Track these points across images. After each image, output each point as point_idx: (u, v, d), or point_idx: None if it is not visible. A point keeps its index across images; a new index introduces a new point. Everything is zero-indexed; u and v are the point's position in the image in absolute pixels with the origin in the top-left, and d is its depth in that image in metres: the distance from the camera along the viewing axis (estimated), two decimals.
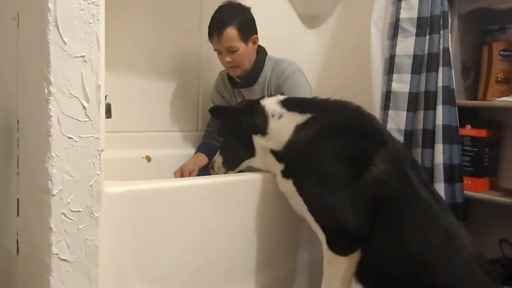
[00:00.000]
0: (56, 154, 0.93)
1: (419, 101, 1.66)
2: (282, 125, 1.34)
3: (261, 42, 1.84)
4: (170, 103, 2.06)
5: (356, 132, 1.27)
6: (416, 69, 1.65)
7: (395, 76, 1.68)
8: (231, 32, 1.70)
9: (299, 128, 1.31)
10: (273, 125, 1.35)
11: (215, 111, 1.59)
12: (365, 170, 1.19)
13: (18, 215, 1.14)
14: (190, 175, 1.80)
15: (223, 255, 1.34)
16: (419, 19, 1.64)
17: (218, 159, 1.53)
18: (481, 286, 1.11)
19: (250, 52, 1.79)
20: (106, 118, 1.13)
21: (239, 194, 1.38)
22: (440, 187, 1.57)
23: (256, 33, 1.81)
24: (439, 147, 1.59)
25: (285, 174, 1.33)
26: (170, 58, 2.03)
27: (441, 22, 1.63)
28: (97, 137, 0.99)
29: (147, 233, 1.17)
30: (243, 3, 1.84)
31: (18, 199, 1.14)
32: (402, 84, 1.67)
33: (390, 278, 1.17)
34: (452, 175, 1.60)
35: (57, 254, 0.95)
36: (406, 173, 1.20)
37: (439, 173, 1.58)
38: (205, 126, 2.07)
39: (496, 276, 1.15)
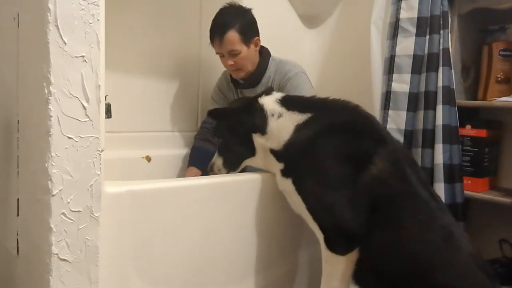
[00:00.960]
0: (56, 154, 0.93)
1: (419, 101, 1.66)
2: (282, 124, 1.34)
3: (261, 42, 1.84)
4: (170, 103, 2.06)
5: (355, 131, 1.27)
6: (416, 69, 1.65)
7: (395, 76, 1.68)
8: (233, 35, 1.70)
9: (299, 128, 1.31)
10: (273, 124, 1.35)
11: (215, 113, 1.57)
12: (364, 169, 1.19)
13: (18, 215, 1.14)
14: None
15: (223, 255, 1.34)
16: (419, 19, 1.64)
17: (217, 160, 1.51)
18: (479, 286, 1.11)
19: (252, 54, 1.79)
20: (106, 118, 1.13)
21: (239, 194, 1.37)
22: (440, 187, 1.57)
23: (258, 35, 1.80)
24: (439, 147, 1.59)
25: (285, 173, 1.33)
26: (170, 58, 2.03)
27: (441, 22, 1.63)
28: (97, 137, 0.99)
29: (147, 233, 1.17)
30: (243, 4, 1.84)
31: (18, 199, 1.14)
32: (402, 84, 1.67)
33: (387, 277, 1.17)
34: (452, 175, 1.60)
35: (57, 254, 0.95)
36: (405, 172, 1.21)
37: (439, 173, 1.58)
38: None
39: (494, 275, 1.15)
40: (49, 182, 0.93)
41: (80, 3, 0.93)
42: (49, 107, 0.92)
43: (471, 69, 1.83)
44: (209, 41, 1.79)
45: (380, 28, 1.77)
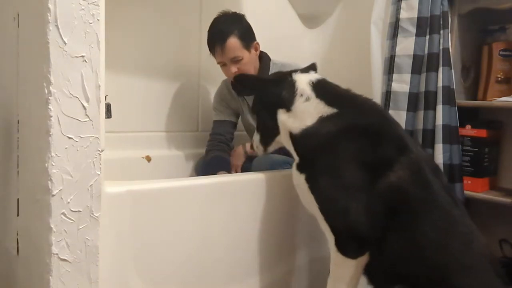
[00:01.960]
0: (56, 154, 0.93)
1: (419, 101, 1.66)
2: (307, 109, 1.29)
3: (261, 43, 1.83)
4: (170, 103, 2.06)
5: (378, 136, 1.23)
6: (416, 69, 1.65)
7: (395, 76, 1.68)
8: (234, 42, 1.69)
9: (322, 120, 1.26)
10: (299, 105, 1.30)
11: (241, 79, 1.52)
12: (382, 175, 1.16)
13: (18, 215, 1.14)
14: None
15: (223, 255, 1.34)
16: (419, 19, 1.64)
17: (256, 137, 1.46)
18: None
19: (254, 59, 1.78)
20: (106, 118, 1.13)
21: (239, 195, 1.37)
22: None
23: (255, 39, 1.80)
24: (439, 147, 1.59)
25: (299, 167, 1.29)
26: (170, 58, 2.03)
27: (441, 22, 1.63)
28: (97, 137, 0.99)
29: (147, 233, 1.17)
30: (244, 5, 1.83)
31: (18, 199, 1.14)
32: (402, 84, 1.67)
33: (404, 281, 1.15)
34: (452, 175, 1.60)
35: (57, 254, 0.95)
36: (427, 179, 1.17)
37: None
38: (204, 126, 2.06)
39: (509, 282, 1.14)
40: (49, 182, 0.93)
41: (80, 3, 0.94)
42: (49, 107, 0.92)
43: (471, 69, 1.83)
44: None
45: (380, 28, 1.77)
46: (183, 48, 2.07)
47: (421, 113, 1.65)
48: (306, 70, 1.43)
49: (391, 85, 1.69)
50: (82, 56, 0.95)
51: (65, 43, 0.92)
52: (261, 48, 1.85)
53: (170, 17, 2.01)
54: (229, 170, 1.79)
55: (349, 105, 1.31)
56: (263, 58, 1.84)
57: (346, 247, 1.20)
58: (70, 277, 0.98)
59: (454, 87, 1.64)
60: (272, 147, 1.45)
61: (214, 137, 1.91)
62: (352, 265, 1.20)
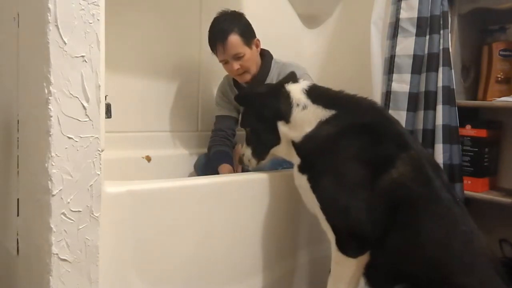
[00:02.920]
0: (56, 154, 0.93)
1: (419, 101, 1.66)
2: (306, 117, 1.31)
3: (262, 42, 1.84)
4: (170, 103, 2.06)
5: (378, 134, 1.24)
6: (416, 69, 1.65)
7: (395, 76, 1.68)
8: (235, 38, 1.70)
9: (322, 124, 1.28)
10: (297, 114, 1.32)
11: (241, 97, 1.54)
12: (384, 172, 1.16)
13: (18, 215, 1.14)
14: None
15: (223, 255, 1.34)
16: (419, 19, 1.64)
17: (246, 151, 1.47)
18: None
19: (255, 55, 1.80)
20: (106, 118, 1.13)
21: (239, 194, 1.37)
22: None
23: (255, 36, 1.81)
24: (439, 147, 1.59)
25: (301, 169, 1.31)
26: (170, 58, 2.03)
27: (441, 22, 1.63)
28: (97, 137, 0.99)
29: (147, 233, 1.17)
30: (244, 5, 1.84)
31: (18, 199, 1.14)
32: (402, 84, 1.67)
33: (404, 280, 1.15)
34: (452, 175, 1.60)
35: (57, 254, 0.95)
36: (428, 176, 1.18)
37: None
38: (204, 126, 2.06)
39: (509, 281, 1.14)
40: (49, 182, 0.93)
41: (80, 3, 0.94)
42: (49, 107, 0.92)
43: (471, 69, 1.83)
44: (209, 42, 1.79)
45: (380, 28, 1.77)
46: (183, 48, 2.07)
47: (421, 113, 1.65)
48: (293, 79, 1.42)
49: (391, 85, 1.69)
50: (82, 56, 0.95)
51: (65, 43, 0.92)
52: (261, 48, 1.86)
53: (170, 17, 2.01)
54: (232, 164, 1.80)
55: (346, 105, 1.33)
56: (265, 56, 1.85)
57: (347, 246, 1.21)
58: (70, 277, 0.98)
59: (454, 87, 1.64)
60: (267, 159, 1.47)
61: (216, 133, 1.93)
62: (353, 264, 1.20)
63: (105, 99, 1.11)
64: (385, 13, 1.76)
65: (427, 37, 1.64)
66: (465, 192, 1.65)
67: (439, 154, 1.59)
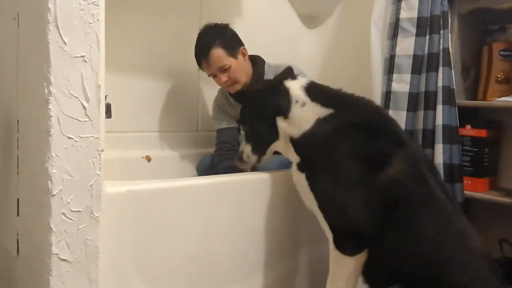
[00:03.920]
0: (56, 154, 0.93)
1: (419, 101, 1.66)
2: (304, 114, 1.32)
3: (260, 43, 1.83)
4: (170, 103, 2.06)
5: (374, 132, 1.25)
6: (416, 69, 1.65)
7: (395, 76, 1.68)
8: (217, 52, 1.71)
9: (320, 122, 1.29)
10: (295, 111, 1.33)
11: (240, 95, 1.56)
12: (381, 170, 1.17)
13: (18, 215, 1.14)
14: None
15: (223, 255, 1.34)
16: (419, 19, 1.64)
17: (246, 148, 1.47)
18: None
19: (242, 64, 1.78)
20: (106, 118, 1.13)
21: (239, 194, 1.37)
22: None
23: (242, 44, 1.80)
24: (439, 147, 1.59)
25: (300, 167, 1.32)
26: (170, 58, 2.03)
27: (441, 22, 1.63)
28: (97, 137, 0.99)
29: (147, 233, 1.17)
30: (243, 5, 1.83)
31: (18, 199, 1.14)
32: (402, 84, 1.67)
33: (400, 278, 1.16)
34: (452, 175, 1.60)
35: (57, 254, 0.95)
36: (423, 174, 1.19)
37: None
38: (204, 126, 2.06)
39: (503, 279, 1.15)
40: (49, 182, 0.93)
41: (80, 3, 0.94)
42: (49, 107, 0.92)
43: (471, 69, 1.83)
44: None
45: (380, 28, 1.77)
46: (183, 48, 2.06)
47: (421, 113, 1.65)
48: (291, 76, 1.43)
49: (391, 85, 1.69)
50: (82, 56, 0.95)
51: (65, 43, 0.92)
52: (261, 49, 1.86)
53: (170, 17, 2.01)
54: None
55: (344, 104, 1.34)
56: (257, 63, 1.84)
57: (344, 244, 1.22)
58: (70, 277, 0.98)
59: (454, 87, 1.64)
60: (267, 155, 1.46)
61: (220, 146, 1.89)
62: (351, 262, 1.21)
63: (105, 99, 1.12)
64: (385, 13, 1.76)
65: (427, 37, 1.64)
66: (465, 192, 1.64)
67: (439, 154, 1.59)
